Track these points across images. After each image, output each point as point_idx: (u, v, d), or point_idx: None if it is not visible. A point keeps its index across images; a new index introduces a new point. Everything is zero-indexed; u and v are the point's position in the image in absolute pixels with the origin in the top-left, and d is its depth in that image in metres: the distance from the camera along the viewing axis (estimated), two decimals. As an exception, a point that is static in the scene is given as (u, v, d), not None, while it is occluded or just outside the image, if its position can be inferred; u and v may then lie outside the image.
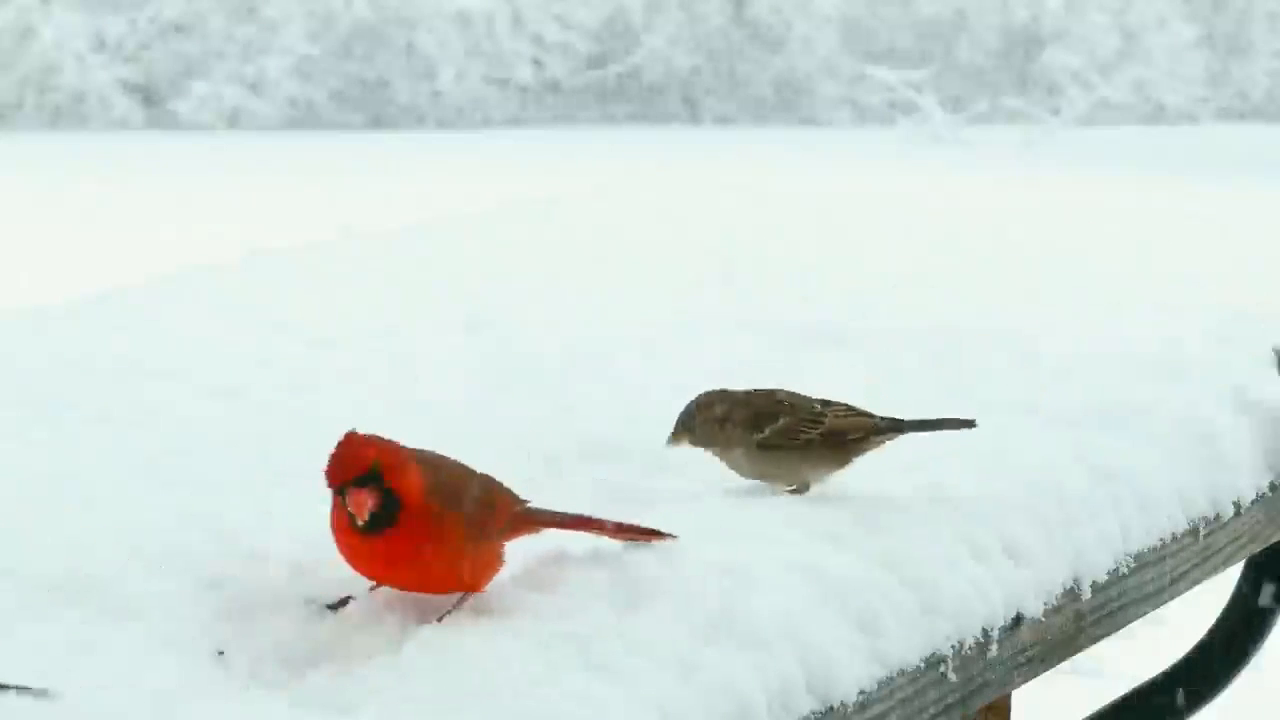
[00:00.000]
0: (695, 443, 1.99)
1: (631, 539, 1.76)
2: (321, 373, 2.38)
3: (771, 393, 1.99)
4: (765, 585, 1.72)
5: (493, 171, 15.68)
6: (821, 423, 1.96)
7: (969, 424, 1.98)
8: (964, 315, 2.75)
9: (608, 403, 2.28)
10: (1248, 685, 3.17)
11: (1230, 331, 2.71)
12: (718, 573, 1.73)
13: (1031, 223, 3.83)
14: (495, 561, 1.67)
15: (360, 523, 1.59)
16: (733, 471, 1.99)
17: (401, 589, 1.65)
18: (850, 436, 1.97)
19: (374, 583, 1.66)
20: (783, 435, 1.96)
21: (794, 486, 1.98)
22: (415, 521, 1.61)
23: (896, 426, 1.98)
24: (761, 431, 1.95)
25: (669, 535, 1.76)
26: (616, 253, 3.25)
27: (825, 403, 1.99)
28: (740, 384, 2.06)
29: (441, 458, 1.68)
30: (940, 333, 2.63)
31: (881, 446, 1.98)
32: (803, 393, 2.01)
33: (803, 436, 1.96)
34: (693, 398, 2.00)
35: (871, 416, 1.98)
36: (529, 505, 1.72)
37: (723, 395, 1.99)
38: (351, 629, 1.62)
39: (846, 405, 2.00)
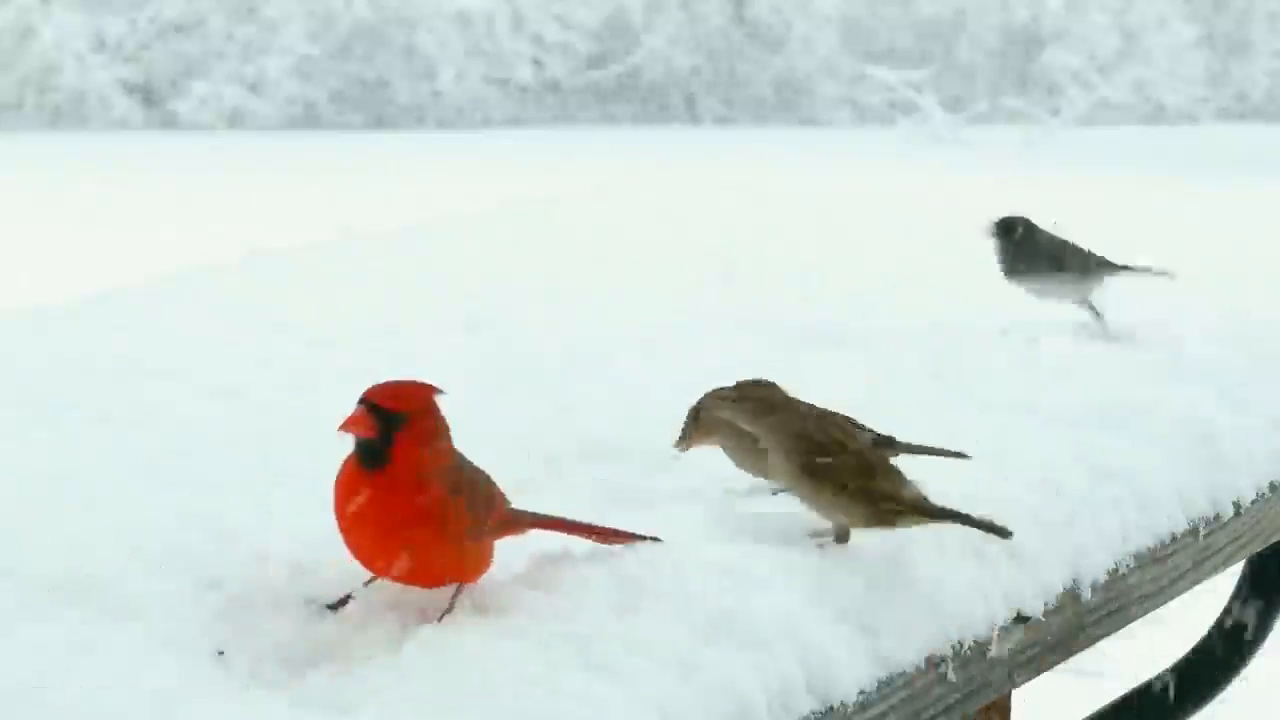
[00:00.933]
0: (732, 416, 1.83)
1: (614, 542, 1.75)
2: (321, 373, 2.38)
3: (827, 418, 1.84)
4: (765, 585, 1.72)
5: (493, 171, 15.66)
6: (873, 479, 1.79)
7: (964, 456, 1.99)
8: (964, 315, 2.75)
9: (608, 403, 2.28)
10: (1247, 685, 3.17)
11: (1230, 331, 2.71)
12: (718, 573, 1.72)
13: (1031, 223, 3.82)
14: (487, 557, 1.68)
15: (346, 436, 1.60)
16: (730, 461, 1.98)
17: (394, 578, 1.65)
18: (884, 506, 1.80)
19: (371, 576, 1.66)
20: (827, 472, 1.78)
21: (828, 530, 1.82)
22: (401, 474, 1.61)
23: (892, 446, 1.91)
24: (808, 457, 1.79)
25: (652, 539, 1.76)
26: (616, 253, 3.25)
27: (876, 444, 1.86)
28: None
29: (464, 459, 1.69)
30: (940, 333, 2.63)
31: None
32: (858, 423, 1.89)
33: (847, 483, 1.78)
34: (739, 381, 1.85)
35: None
36: (513, 506, 1.73)
37: (772, 389, 1.84)
38: (351, 629, 1.62)
39: (872, 434, 1.88)
